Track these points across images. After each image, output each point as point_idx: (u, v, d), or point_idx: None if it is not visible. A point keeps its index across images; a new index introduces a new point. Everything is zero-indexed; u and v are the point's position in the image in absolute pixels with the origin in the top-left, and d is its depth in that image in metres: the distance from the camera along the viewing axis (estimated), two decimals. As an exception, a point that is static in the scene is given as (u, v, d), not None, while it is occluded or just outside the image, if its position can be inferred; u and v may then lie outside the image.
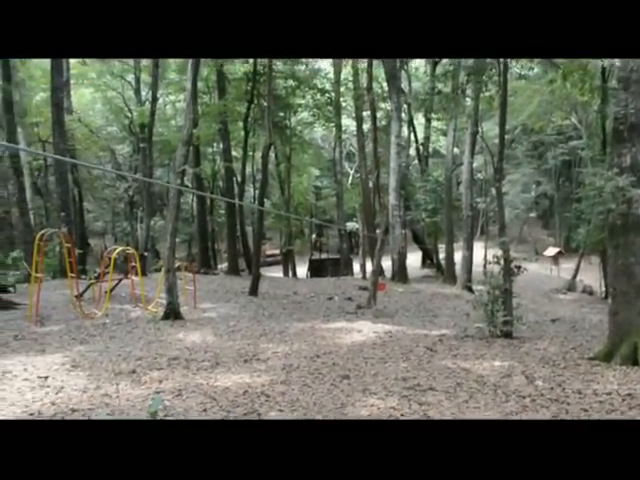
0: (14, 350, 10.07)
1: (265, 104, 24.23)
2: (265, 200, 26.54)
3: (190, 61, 15.38)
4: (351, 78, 32.42)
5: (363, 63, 30.50)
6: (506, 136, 28.65)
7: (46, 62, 28.67)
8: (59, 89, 24.01)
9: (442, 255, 32.46)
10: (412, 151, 40.49)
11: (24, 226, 25.94)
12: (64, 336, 11.47)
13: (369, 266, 25.44)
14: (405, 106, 33.60)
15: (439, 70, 31.92)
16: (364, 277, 27.82)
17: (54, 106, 23.58)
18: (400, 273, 25.70)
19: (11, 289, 17.95)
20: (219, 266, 36.95)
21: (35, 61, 35.00)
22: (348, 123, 39.82)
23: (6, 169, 30.93)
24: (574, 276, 32.54)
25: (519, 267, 11.70)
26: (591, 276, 31.99)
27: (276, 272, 34.71)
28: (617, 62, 9.77)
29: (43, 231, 14.87)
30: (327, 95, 31.96)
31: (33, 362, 8.83)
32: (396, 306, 17.53)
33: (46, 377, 7.80)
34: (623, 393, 6.87)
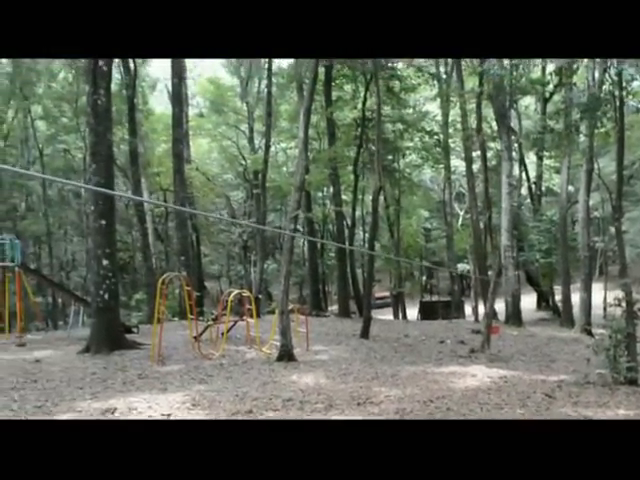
0: (138, 388, 10.63)
1: (374, 148, 24.60)
2: (375, 243, 26.71)
3: (302, 110, 15.96)
4: (459, 119, 32.32)
5: (472, 104, 30.39)
6: (624, 172, 27.62)
7: (167, 115, 30.53)
8: (179, 140, 25.41)
9: (558, 297, 31.25)
10: (524, 190, 39.57)
11: (147, 270, 27.34)
12: (184, 375, 11.97)
13: (481, 309, 24.90)
14: (516, 145, 33.04)
15: (550, 108, 31.30)
16: (476, 320, 27.19)
17: (175, 156, 24.93)
18: (514, 316, 25.00)
19: (135, 330, 18.87)
20: (330, 308, 37.27)
21: (157, 115, 37.40)
22: (457, 164, 39.57)
23: (130, 217, 32.94)
24: None
25: (643, 310, 11.15)
26: None
27: (386, 314, 34.56)
28: None
29: (165, 275, 15.67)
30: (435, 137, 31.97)
31: (156, 400, 9.28)
32: (511, 350, 17.04)
33: (169, 415, 8.16)
34: None
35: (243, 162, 38.13)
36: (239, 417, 7.98)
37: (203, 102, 43.59)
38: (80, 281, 35.55)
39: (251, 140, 36.90)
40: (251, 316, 16.41)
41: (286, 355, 13.73)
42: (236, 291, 17.42)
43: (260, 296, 25.70)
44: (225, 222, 40.18)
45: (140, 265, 33.71)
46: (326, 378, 11.48)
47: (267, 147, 29.37)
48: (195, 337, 15.23)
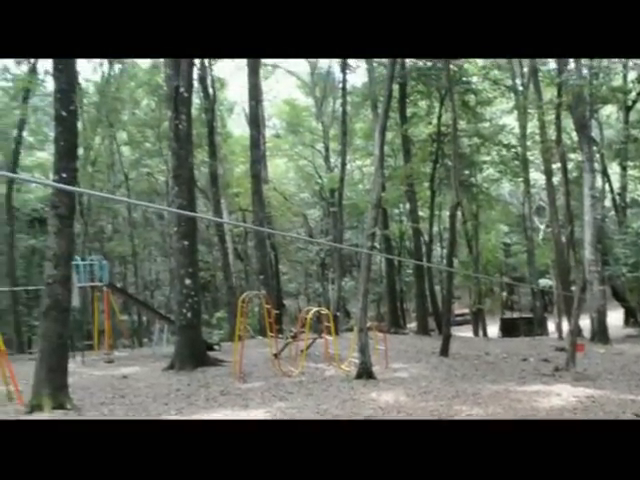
0: (221, 404, 10.90)
1: (450, 163, 24.43)
2: (453, 259, 26.37)
3: (377, 128, 16.07)
4: (538, 131, 31.68)
5: (550, 115, 29.75)
6: None
7: (245, 137, 31.29)
8: (257, 161, 25.93)
9: (647, 313, 30.00)
10: (608, 202, 38.27)
11: (227, 288, 27.94)
12: (265, 392, 12.17)
13: (565, 326, 24.18)
14: (598, 156, 32.06)
15: (633, 116, 30.28)
16: (560, 337, 26.41)
17: (253, 177, 25.44)
18: (600, 333, 24.10)
19: (216, 347, 19.30)
20: (408, 325, 37.00)
21: (235, 137, 38.35)
22: (537, 177, 38.69)
23: (211, 237, 33.78)
24: None
25: None
26: None
27: (465, 332, 34.02)
28: None
29: (245, 293, 16.03)
30: (513, 150, 31.45)
31: (238, 416, 9.49)
32: (597, 368, 16.45)
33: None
34: None
35: (319, 181, 38.53)
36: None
37: (279, 123, 44.46)
38: (164, 300, 36.60)
39: (327, 159, 37.26)
40: (329, 333, 16.52)
41: (365, 373, 13.74)
42: (314, 309, 17.58)
43: (338, 314, 25.81)
44: (303, 240, 40.65)
45: (221, 284, 34.45)
46: (406, 396, 11.43)
47: (343, 165, 29.62)
48: (275, 354, 15.46)
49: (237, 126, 41.04)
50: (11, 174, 16.03)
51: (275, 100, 44.03)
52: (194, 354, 15.80)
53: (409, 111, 30.23)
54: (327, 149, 37.37)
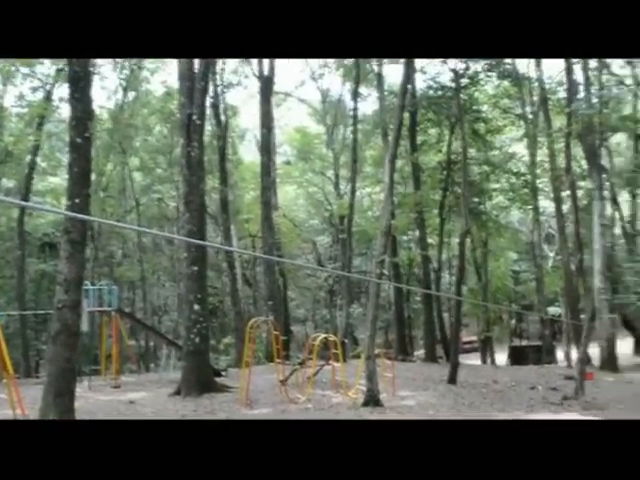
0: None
1: (460, 191, 24.53)
2: (462, 286, 26.29)
3: (387, 157, 16.23)
4: (547, 159, 31.77)
5: (560, 143, 29.84)
6: None
7: (256, 164, 31.56)
8: (267, 188, 26.17)
9: (658, 342, 29.71)
10: (617, 230, 38.15)
11: (235, 314, 27.97)
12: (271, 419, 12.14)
13: (574, 354, 24.01)
14: (607, 184, 32.07)
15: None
16: (569, 366, 26.19)
17: (263, 204, 25.68)
18: (609, 361, 23.94)
19: (223, 373, 19.28)
20: (416, 353, 36.80)
21: (246, 164, 38.67)
22: (546, 204, 38.68)
23: (220, 262, 33.90)
24: None
25: None
26: None
27: (474, 360, 33.78)
28: None
29: (254, 319, 16.06)
30: (523, 178, 31.52)
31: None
32: (607, 397, 16.29)
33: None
34: None
35: (329, 207, 38.75)
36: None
37: (290, 150, 44.78)
38: (171, 325, 36.58)
39: (337, 186, 37.44)
40: (337, 360, 16.49)
41: (372, 400, 13.70)
42: (322, 335, 17.57)
43: (346, 340, 25.75)
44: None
45: (229, 309, 34.50)
46: (413, 424, 11.37)
47: (353, 192, 29.79)
48: (282, 381, 15.43)
49: (248, 153, 41.37)
50: (31, 204, 16.24)
51: (286, 127, 44.43)
52: (201, 380, 15.79)
53: (419, 139, 30.43)
54: (337, 176, 37.59)
